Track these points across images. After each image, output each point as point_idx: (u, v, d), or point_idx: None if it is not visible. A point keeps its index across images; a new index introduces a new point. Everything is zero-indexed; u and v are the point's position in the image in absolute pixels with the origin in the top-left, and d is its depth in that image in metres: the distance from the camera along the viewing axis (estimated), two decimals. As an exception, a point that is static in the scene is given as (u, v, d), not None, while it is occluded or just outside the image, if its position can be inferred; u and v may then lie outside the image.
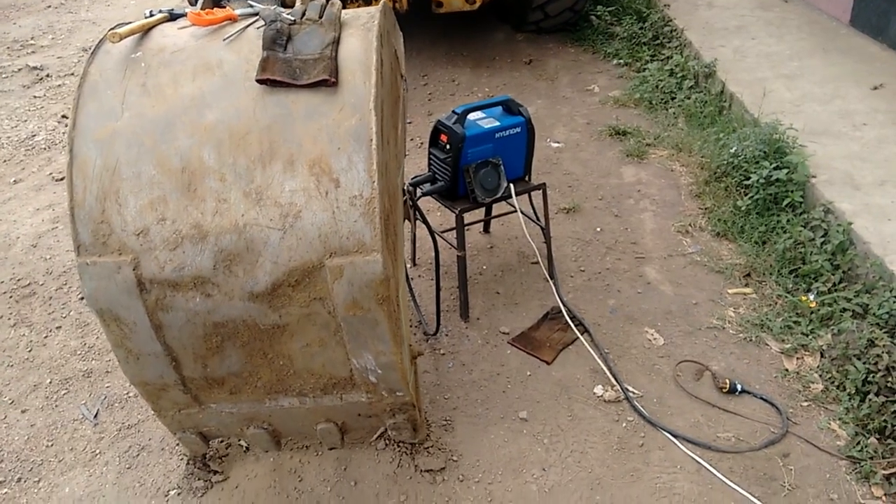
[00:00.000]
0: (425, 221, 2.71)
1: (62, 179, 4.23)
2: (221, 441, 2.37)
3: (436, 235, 2.76)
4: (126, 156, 1.70)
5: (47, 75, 5.87)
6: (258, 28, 1.87)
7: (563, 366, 2.72)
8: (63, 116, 5.10)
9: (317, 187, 1.71)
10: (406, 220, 2.64)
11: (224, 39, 1.86)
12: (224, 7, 2.10)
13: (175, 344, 1.83)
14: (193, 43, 1.87)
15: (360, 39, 1.85)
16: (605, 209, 3.73)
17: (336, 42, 1.82)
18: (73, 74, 5.89)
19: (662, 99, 4.82)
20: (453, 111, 2.83)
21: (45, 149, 4.66)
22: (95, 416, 2.60)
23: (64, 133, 4.84)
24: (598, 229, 3.55)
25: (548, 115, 4.79)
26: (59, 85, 5.70)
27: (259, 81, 1.73)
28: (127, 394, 2.68)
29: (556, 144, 4.40)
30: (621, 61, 5.56)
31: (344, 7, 2.03)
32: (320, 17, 1.90)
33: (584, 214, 3.68)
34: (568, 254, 3.37)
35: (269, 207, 1.68)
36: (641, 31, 5.76)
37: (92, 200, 1.70)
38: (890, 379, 2.39)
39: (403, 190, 2.45)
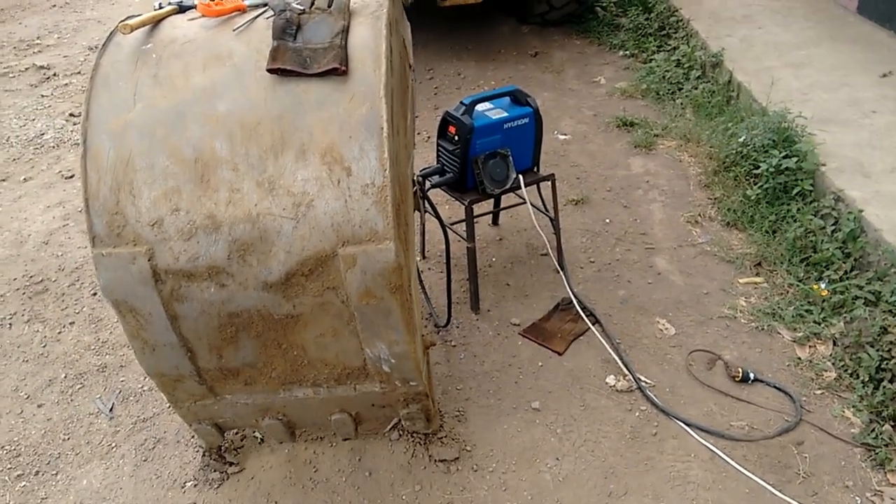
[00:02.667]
0: (435, 213, 2.71)
1: (72, 177, 4.24)
2: (237, 432, 2.37)
3: (446, 227, 2.76)
4: (139, 147, 1.71)
5: (54, 74, 5.89)
6: (267, 18, 1.87)
7: (574, 356, 2.72)
8: (71, 115, 5.12)
9: (329, 176, 1.71)
10: (416, 212, 2.65)
11: (234, 30, 1.86)
12: (233, -2, 2.10)
13: (190, 334, 1.83)
14: (203, 34, 1.87)
15: (370, 28, 1.84)
16: (613, 200, 3.72)
17: (346, 31, 1.82)
18: (79, 73, 5.91)
19: (669, 89, 4.80)
20: (461, 102, 2.83)
21: (53, 147, 4.67)
22: (111, 409, 2.61)
23: (72, 131, 4.85)
24: (608, 220, 3.55)
25: (554, 107, 4.77)
26: (66, 84, 5.72)
27: (269, 71, 1.73)
28: (142, 387, 2.69)
29: (564, 136, 4.39)
30: (627, 52, 5.55)
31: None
32: (329, 5, 1.90)
33: (592, 206, 3.67)
34: (577, 245, 3.37)
35: (282, 197, 1.68)
36: (647, 22, 5.74)
37: (106, 191, 1.70)
38: (903, 364, 2.38)
39: (413, 181, 2.45)
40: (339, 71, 1.75)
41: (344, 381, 2.03)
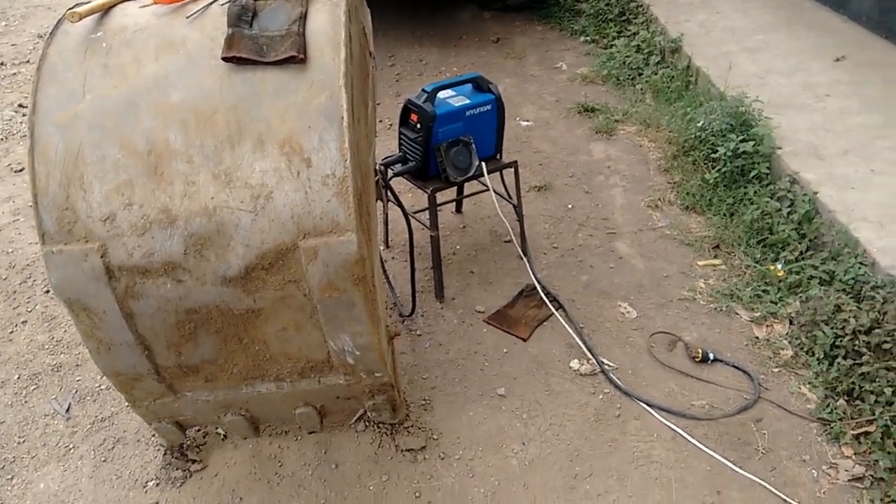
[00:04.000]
0: (398, 202, 2.70)
1: (21, 170, 4.10)
2: (198, 430, 2.35)
3: (409, 216, 2.74)
4: (89, 139, 1.65)
5: (1, 63, 5.68)
6: (222, 5, 1.82)
7: (538, 342, 2.73)
8: (20, 105, 4.95)
9: (288, 167, 1.68)
10: (378, 201, 2.62)
11: (187, 17, 1.80)
12: (185, -15, 2.04)
13: (147, 332, 1.79)
14: (155, 21, 1.81)
15: (328, 14, 1.81)
16: (575, 186, 3.74)
17: (303, 17, 1.78)
18: (28, 62, 5.71)
19: (630, 75, 4.84)
20: (423, 90, 2.81)
21: (1, 139, 4.51)
22: (67, 410, 2.55)
23: (21, 123, 4.69)
24: (570, 206, 3.57)
25: (516, 93, 4.78)
26: (14, 73, 5.52)
27: (225, 59, 1.69)
28: (99, 387, 2.63)
29: (526, 123, 4.40)
30: (588, 38, 5.57)
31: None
32: (286, -8, 1.86)
33: (555, 192, 3.69)
34: (540, 231, 3.38)
35: (240, 189, 1.65)
36: (608, 8, 5.77)
37: (55, 186, 1.65)
38: (856, 343, 2.45)
39: (375, 170, 2.43)
40: (297, 59, 1.72)
41: (308, 374, 2.01)
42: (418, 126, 2.77)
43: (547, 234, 3.37)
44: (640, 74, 4.80)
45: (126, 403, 2.12)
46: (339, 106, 1.69)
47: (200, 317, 1.77)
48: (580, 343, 2.68)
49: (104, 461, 2.35)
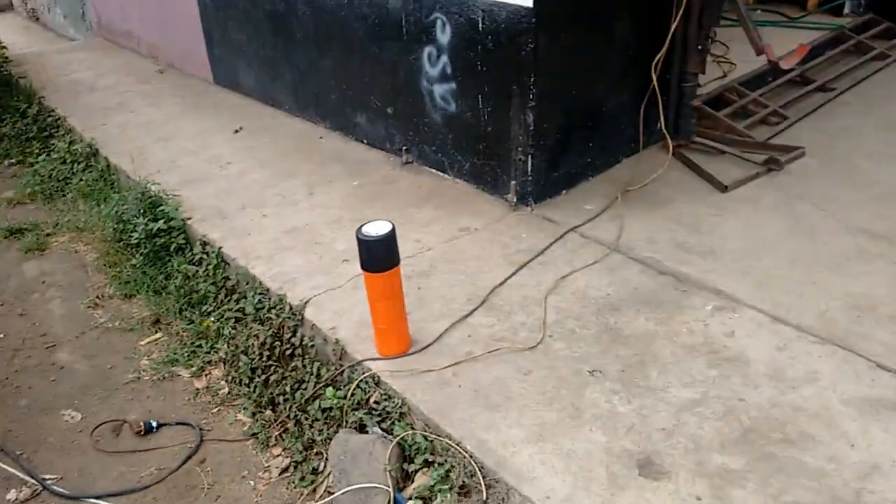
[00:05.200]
0: None
1: None
2: None
3: None
4: None
5: None
6: None
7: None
8: None
9: None
10: None
11: None
12: None
13: None
14: None
15: None
16: (8, 314, 3.54)
17: None
18: None
19: (58, 187, 4.79)
20: None
21: None
22: None
23: None
24: (2, 336, 3.36)
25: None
26: None
27: None
28: None
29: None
30: (13, 161, 5.34)
31: None
32: None
33: None
34: (-31, 375, 3.10)
35: None
36: (27, 127, 5.63)
37: None
38: (263, 357, 2.87)
39: None
40: None
41: None
42: None
43: None
44: (68, 184, 4.79)
45: None
46: None
47: None
48: (14, 472, 2.55)
49: None
